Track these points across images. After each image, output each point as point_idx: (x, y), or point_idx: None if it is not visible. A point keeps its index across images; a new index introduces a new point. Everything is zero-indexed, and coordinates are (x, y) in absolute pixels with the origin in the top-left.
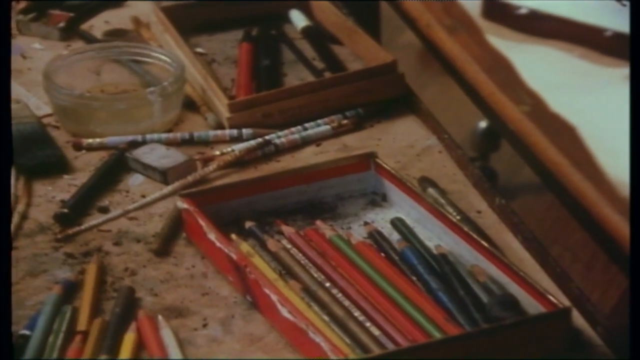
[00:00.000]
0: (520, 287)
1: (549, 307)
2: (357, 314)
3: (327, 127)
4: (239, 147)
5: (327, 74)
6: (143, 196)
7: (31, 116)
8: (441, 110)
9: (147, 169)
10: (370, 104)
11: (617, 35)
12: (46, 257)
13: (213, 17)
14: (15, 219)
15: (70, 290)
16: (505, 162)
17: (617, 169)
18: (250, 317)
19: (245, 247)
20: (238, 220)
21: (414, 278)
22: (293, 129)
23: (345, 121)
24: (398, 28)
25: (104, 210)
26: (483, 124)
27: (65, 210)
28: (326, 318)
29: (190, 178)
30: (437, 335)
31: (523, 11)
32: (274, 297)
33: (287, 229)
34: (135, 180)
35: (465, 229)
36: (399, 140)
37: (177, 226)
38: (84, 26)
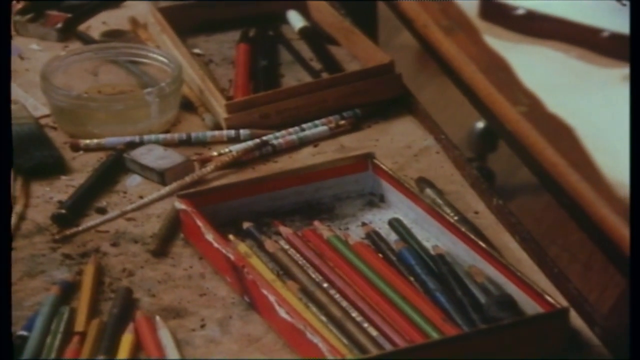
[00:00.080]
0: (517, 288)
1: (546, 307)
2: (354, 314)
3: (325, 127)
4: (236, 147)
5: (325, 75)
6: (141, 197)
7: (29, 117)
8: (438, 110)
9: (145, 170)
10: (367, 105)
11: (614, 36)
12: (44, 258)
13: (210, 18)
14: (12, 219)
15: (68, 291)
16: (503, 163)
17: (615, 169)
18: (248, 318)
19: (242, 247)
20: (236, 220)
21: (412, 278)
22: (290, 130)
23: (342, 122)
24: (395, 29)
25: (102, 211)
26: (480, 124)
27: (63, 211)
28: (324, 319)
29: (187, 179)
30: (435, 335)
31: (520, 12)
32: (271, 298)
33: (284, 230)
34: (132, 181)
35: (463, 229)
36: (397, 141)
37: (174, 227)
38: (82, 27)
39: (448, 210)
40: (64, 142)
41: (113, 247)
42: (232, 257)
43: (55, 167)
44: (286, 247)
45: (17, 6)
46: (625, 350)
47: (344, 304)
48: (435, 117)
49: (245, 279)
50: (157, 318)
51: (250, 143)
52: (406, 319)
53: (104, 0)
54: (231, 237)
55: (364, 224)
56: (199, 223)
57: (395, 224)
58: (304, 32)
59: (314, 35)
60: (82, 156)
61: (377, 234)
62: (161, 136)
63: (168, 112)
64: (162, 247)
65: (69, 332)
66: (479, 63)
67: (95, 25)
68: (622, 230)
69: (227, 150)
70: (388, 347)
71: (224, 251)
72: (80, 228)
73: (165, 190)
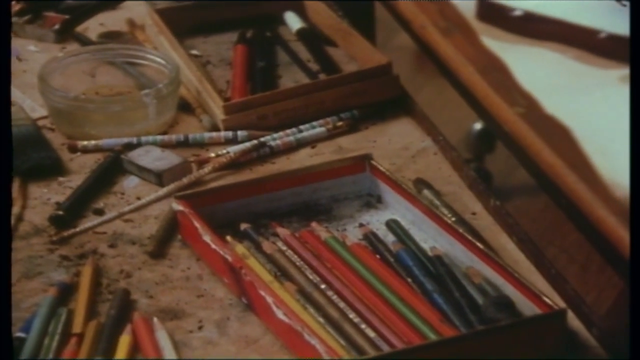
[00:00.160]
0: (515, 289)
1: (544, 308)
2: (352, 315)
3: (322, 129)
4: (234, 149)
5: (322, 76)
6: (138, 198)
7: (26, 118)
8: (436, 111)
9: (142, 171)
10: (365, 106)
11: (612, 37)
12: (41, 260)
13: (208, 19)
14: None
15: (66, 293)
16: (500, 164)
17: (612, 170)
18: (246, 319)
19: (240, 249)
20: (233, 222)
21: (409, 280)
22: (288, 131)
23: (340, 123)
24: (393, 30)
25: (99, 212)
26: (478, 125)
27: (61, 213)
28: (321, 320)
29: (185, 180)
30: (433, 336)
31: (517, 13)
32: (269, 299)
33: (282, 231)
34: (130, 183)
35: (461, 230)
36: (394, 142)
37: (172, 228)
38: (79, 28)
39: (445, 212)
40: (62, 143)
41: (110, 248)
42: (229, 258)
43: (52, 169)
44: (284, 248)
45: (14, 8)
46: (623, 351)
47: (342, 305)
48: (432, 119)
49: (242, 280)
50: (155, 319)
51: (247, 144)
52: (404, 320)
53: (102, 0)
54: (229, 238)
55: (361, 225)
56: (197, 224)
57: (393, 225)
58: (301, 34)
59: (312, 36)
60: (79, 157)
61: (375, 235)
62: (159, 137)
63: (165, 113)
64: (159, 249)
65: (67, 333)
66: (476, 64)
67: (93, 27)
68: (619, 231)
69: (224, 151)
70: (386, 348)
71: (221, 252)
72: (77, 229)
73: (162, 191)
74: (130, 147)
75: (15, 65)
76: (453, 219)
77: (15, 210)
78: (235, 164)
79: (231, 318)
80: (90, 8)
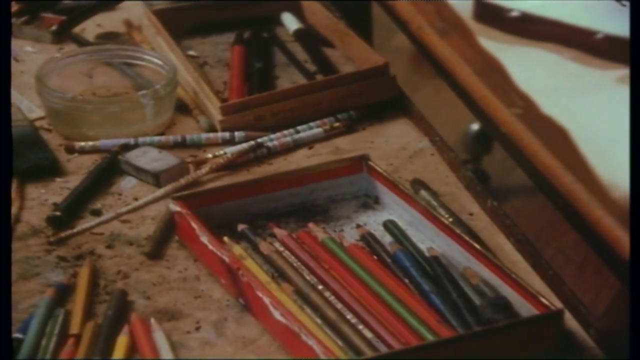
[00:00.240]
0: (512, 290)
1: (541, 309)
2: (349, 316)
3: (320, 129)
4: (231, 149)
5: (319, 77)
6: (135, 199)
7: (23, 119)
8: (433, 112)
9: (140, 172)
10: (362, 107)
11: (609, 38)
12: (39, 260)
13: (205, 20)
14: None
15: (63, 294)
16: (497, 165)
17: (609, 170)
18: (243, 320)
19: (237, 249)
20: (230, 223)
21: (407, 280)
22: (285, 132)
23: (337, 124)
24: (390, 31)
25: (97, 213)
26: (475, 126)
27: (58, 213)
28: (319, 321)
29: (182, 181)
30: (430, 337)
31: (514, 14)
32: (266, 300)
33: (279, 232)
34: (127, 183)
35: (458, 231)
36: (392, 143)
37: (169, 229)
38: (76, 29)
39: (443, 212)
40: (59, 144)
41: (108, 249)
42: (226, 259)
43: (50, 170)
44: (281, 249)
45: (12, 8)
46: (620, 351)
47: (339, 306)
48: (430, 119)
49: (240, 281)
50: (152, 320)
51: (245, 145)
52: (401, 321)
53: (99, 1)
54: (226, 239)
55: (358, 226)
56: (194, 225)
57: (390, 226)
58: (298, 34)
59: (309, 37)
60: (77, 158)
61: (372, 235)
62: (156, 138)
63: (163, 114)
64: (157, 250)
65: (64, 334)
66: (473, 65)
67: (90, 28)
68: (616, 231)
69: (221, 152)
70: (383, 349)
71: (218, 253)
72: (75, 230)
73: (160, 192)
74: (127, 148)
75: (12, 66)
76: (450, 219)
77: (13, 211)
78: (232, 165)
79: (228, 319)
80: (88, 9)
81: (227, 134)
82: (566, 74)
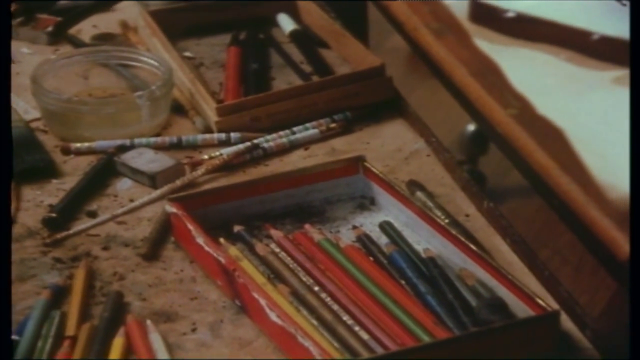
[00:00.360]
0: (508, 291)
1: (537, 310)
2: (345, 318)
3: (316, 130)
4: (227, 151)
5: (315, 78)
6: (131, 200)
7: (19, 120)
8: (429, 113)
9: (136, 173)
10: (358, 108)
11: (604, 39)
12: (35, 262)
13: (201, 21)
14: None
15: (59, 295)
16: (494, 165)
17: (605, 171)
18: (239, 322)
19: (233, 251)
20: (226, 224)
21: (403, 282)
22: (281, 133)
23: (333, 125)
24: (386, 31)
25: (93, 214)
26: (471, 127)
27: (54, 215)
28: (315, 322)
29: (178, 182)
30: (426, 339)
31: (510, 14)
32: (262, 302)
33: (275, 233)
34: (123, 185)
35: (454, 232)
36: (387, 144)
37: (165, 230)
38: (72, 30)
39: (439, 213)
40: (55, 145)
41: (104, 250)
42: (223, 260)
43: (46, 171)
44: (277, 250)
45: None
46: (616, 352)
47: (335, 307)
48: (426, 120)
49: (236, 282)
50: (148, 322)
51: (241, 146)
52: (397, 322)
53: (95, 2)
54: (222, 240)
55: (354, 227)
56: (190, 226)
57: (386, 227)
58: (294, 35)
59: (305, 38)
60: (72, 160)
61: (368, 237)
62: (152, 139)
63: (159, 115)
64: (153, 251)
65: (60, 336)
66: (469, 66)
67: (86, 29)
68: (612, 232)
69: (217, 153)
70: (379, 350)
71: (214, 255)
72: (71, 232)
73: (156, 193)
74: (123, 149)
75: None
76: (446, 220)
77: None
78: (228, 166)
79: (225, 320)
80: (83, 10)
81: (223, 135)
82: (562, 75)
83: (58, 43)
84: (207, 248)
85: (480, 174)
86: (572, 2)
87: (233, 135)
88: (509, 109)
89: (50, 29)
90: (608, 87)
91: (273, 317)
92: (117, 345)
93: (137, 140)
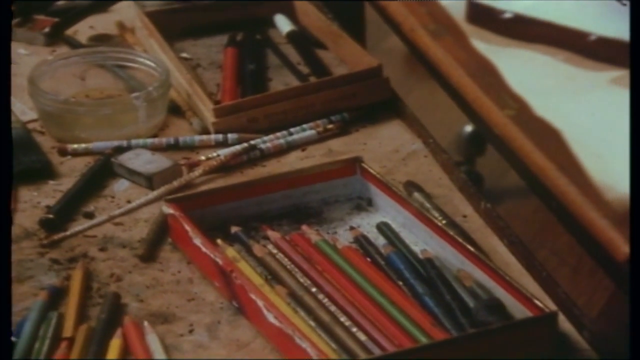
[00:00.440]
0: (506, 292)
1: (535, 311)
2: (343, 319)
3: (313, 131)
4: (224, 152)
5: (312, 79)
6: (128, 201)
7: (16, 121)
8: (426, 114)
9: (133, 174)
10: (355, 109)
11: (601, 40)
12: (32, 263)
13: (198, 22)
14: None
15: (56, 297)
16: (491, 166)
17: (603, 172)
18: (237, 323)
19: (231, 252)
20: (224, 225)
21: (400, 283)
22: (278, 134)
23: (330, 126)
24: (383, 32)
25: (90, 215)
26: (468, 128)
27: (51, 216)
28: (312, 323)
29: (175, 183)
30: (424, 340)
31: (507, 15)
32: (260, 303)
33: (272, 234)
34: (120, 186)
35: (451, 233)
36: (385, 145)
37: (162, 231)
38: (69, 31)
39: (436, 214)
40: (52, 146)
41: (101, 252)
42: (220, 261)
43: (42, 172)
44: (274, 251)
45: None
46: (614, 353)
47: (333, 308)
48: (423, 121)
49: (233, 283)
50: (145, 323)
51: (238, 147)
52: (395, 323)
53: (92, 3)
54: (219, 241)
55: (352, 228)
56: (187, 227)
57: (384, 228)
58: (291, 36)
59: (302, 39)
60: (69, 161)
61: (366, 238)
62: (149, 140)
63: (156, 116)
64: (150, 252)
65: (57, 337)
66: (466, 67)
67: (83, 30)
68: (610, 233)
69: (215, 154)
70: (377, 351)
71: (212, 256)
72: (68, 233)
73: (153, 194)
74: (120, 150)
75: None
76: (444, 221)
77: None
78: (225, 167)
79: (222, 322)
80: (80, 11)
81: (220, 136)
82: (559, 76)
83: (55, 44)
84: (204, 249)
85: (477, 174)
86: (569, 2)
87: (230, 136)
88: (507, 110)
89: (47, 30)
90: (606, 88)
91: (270, 318)
92: (115, 346)
93: (134, 141)
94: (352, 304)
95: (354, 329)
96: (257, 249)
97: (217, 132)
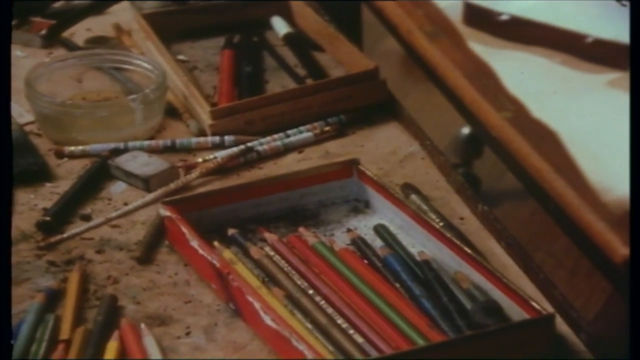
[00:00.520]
0: (503, 294)
1: (532, 313)
2: (340, 321)
3: (310, 133)
4: (221, 154)
5: (309, 81)
6: (125, 204)
7: (13, 124)
8: (424, 116)
9: (130, 177)
10: (352, 111)
11: (598, 42)
12: (29, 266)
13: (195, 25)
14: None
15: (53, 299)
16: (488, 169)
17: (600, 174)
18: (233, 325)
19: (228, 254)
20: (221, 227)
21: (397, 285)
22: (275, 136)
23: (327, 128)
24: (380, 34)
25: (87, 218)
26: (465, 130)
27: (48, 218)
28: (309, 325)
29: (172, 185)
30: (421, 342)
31: (504, 17)
32: (257, 305)
33: (269, 236)
34: (117, 188)
35: (448, 235)
36: (382, 147)
37: (159, 234)
38: (66, 33)
39: (433, 216)
40: (49, 149)
41: (98, 254)
42: (217, 263)
43: (39, 174)
44: (271, 253)
45: None
46: (611, 355)
47: (330, 310)
48: (420, 123)
49: (230, 285)
50: (142, 325)
51: (234, 149)
52: (392, 325)
53: (90, 2)
54: (216, 243)
55: (349, 230)
56: (184, 230)
57: (381, 230)
58: (288, 38)
59: (299, 41)
60: (66, 163)
61: (363, 240)
62: (146, 143)
63: (152, 118)
64: (147, 254)
65: (54, 339)
66: (463, 69)
67: (80, 32)
68: (607, 235)
69: (211, 156)
70: (374, 353)
71: (209, 258)
72: (65, 235)
73: (150, 197)
74: (117, 152)
75: None
76: (441, 223)
77: None
78: (222, 169)
79: (219, 324)
80: (77, 13)
81: (217, 138)
82: (556, 78)
83: (52, 46)
84: (201, 251)
85: (474, 177)
86: (566, 4)
87: (227, 138)
88: (504, 112)
89: (44, 32)
90: (602, 90)
91: (267, 320)
92: (111, 348)
93: (131, 144)
94: (349, 306)
95: (351, 331)
96: (254, 251)
97: (214, 135)
